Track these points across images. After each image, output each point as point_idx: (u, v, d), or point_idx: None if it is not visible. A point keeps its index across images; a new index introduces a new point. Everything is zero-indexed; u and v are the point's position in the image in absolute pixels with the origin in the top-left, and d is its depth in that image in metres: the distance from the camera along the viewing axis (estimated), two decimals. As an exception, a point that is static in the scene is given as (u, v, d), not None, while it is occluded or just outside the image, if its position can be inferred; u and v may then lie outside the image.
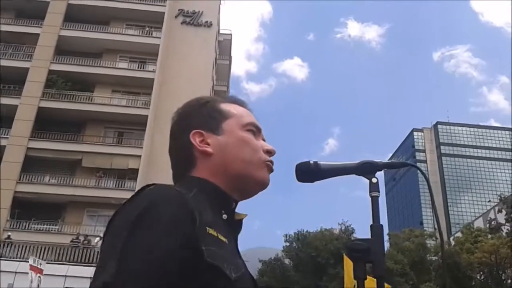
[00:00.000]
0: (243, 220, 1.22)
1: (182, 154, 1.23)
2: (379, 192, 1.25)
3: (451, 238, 50.39)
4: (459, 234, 49.47)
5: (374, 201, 1.24)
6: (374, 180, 1.24)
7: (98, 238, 25.21)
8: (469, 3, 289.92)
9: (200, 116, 1.26)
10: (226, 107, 1.29)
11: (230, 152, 1.22)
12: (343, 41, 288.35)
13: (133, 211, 1.00)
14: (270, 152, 1.26)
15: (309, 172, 1.20)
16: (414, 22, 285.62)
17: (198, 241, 0.99)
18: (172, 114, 1.32)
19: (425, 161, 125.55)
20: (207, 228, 1.03)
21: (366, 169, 1.23)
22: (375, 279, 1.18)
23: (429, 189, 1.29)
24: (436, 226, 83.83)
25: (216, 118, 1.26)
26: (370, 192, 1.24)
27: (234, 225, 1.18)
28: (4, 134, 29.54)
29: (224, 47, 41.70)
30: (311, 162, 1.21)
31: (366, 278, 1.19)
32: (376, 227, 1.22)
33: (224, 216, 1.15)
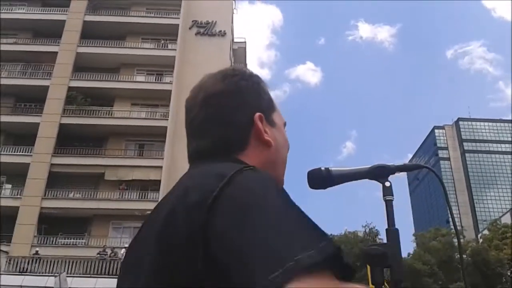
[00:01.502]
0: None
1: (232, 131, 1.07)
2: (393, 195, 1.24)
3: (479, 236, 49.56)
4: (486, 232, 48.59)
5: (388, 205, 1.23)
6: (387, 184, 1.23)
7: (124, 250, 25.41)
8: (480, 1, 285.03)
9: (259, 97, 1.13)
10: (271, 95, 1.18)
11: (281, 151, 1.14)
12: (355, 43, 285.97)
13: (269, 186, 0.89)
14: None
15: (320, 179, 1.20)
16: (425, 21, 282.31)
17: None
18: (214, 74, 1.16)
19: (448, 159, 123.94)
20: None
21: (378, 173, 1.22)
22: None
23: (443, 190, 1.28)
24: (462, 224, 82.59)
25: (272, 107, 1.16)
26: (383, 196, 1.23)
27: None
28: (28, 152, 30.07)
29: (238, 55, 41.87)
30: (323, 168, 1.20)
31: (383, 283, 1.18)
32: (391, 232, 1.21)
33: None
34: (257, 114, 1.09)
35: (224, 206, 0.84)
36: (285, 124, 1.20)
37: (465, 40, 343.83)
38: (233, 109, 1.09)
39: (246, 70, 1.18)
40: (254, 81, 1.16)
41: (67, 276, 22.98)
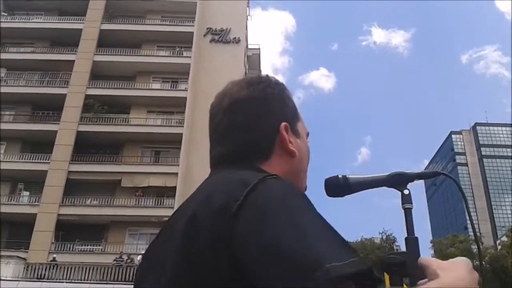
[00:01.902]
0: None
1: (257, 139, 1.06)
2: (412, 203, 1.22)
3: (497, 242, 48.82)
4: (505, 238, 47.87)
5: (408, 213, 1.20)
6: (406, 191, 1.21)
7: (140, 256, 25.47)
8: (494, 3, 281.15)
9: (284, 105, 1.12)
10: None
11: (304, 161, 1.13)
12: (369, 49, 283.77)
13: (292, 197, 0.88)
14: None
15: (338, 187, 1.17)
16: (439, 26, 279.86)
17: None
18: (240, 81, 1.16)
19: (466, 164, 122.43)
20: None
21: (396, 181, 1.20)
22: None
23: (463, 197, 1.25)
24: (480, 231, 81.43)
25: (296, 116, 1.15)
26: (402, 204, 1.21)
27: None
28: (45, 159, 30.41)
29: (253, 61, 42.01)
30: (340, 176, 1.18)
31: (402, 292, 1.16)
32: (411, 240, 1.19)
33: None
34: (283, 123, 1.08)
35: (249, 213, 0.83)
36: (307, 134, 1.19)
37: (480, 45, 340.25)
38: (258, 117, 1.07)
39: (271, 78, 1.16)
40: (280, 89, 1.14)
41: (84, 283, 23.18)
